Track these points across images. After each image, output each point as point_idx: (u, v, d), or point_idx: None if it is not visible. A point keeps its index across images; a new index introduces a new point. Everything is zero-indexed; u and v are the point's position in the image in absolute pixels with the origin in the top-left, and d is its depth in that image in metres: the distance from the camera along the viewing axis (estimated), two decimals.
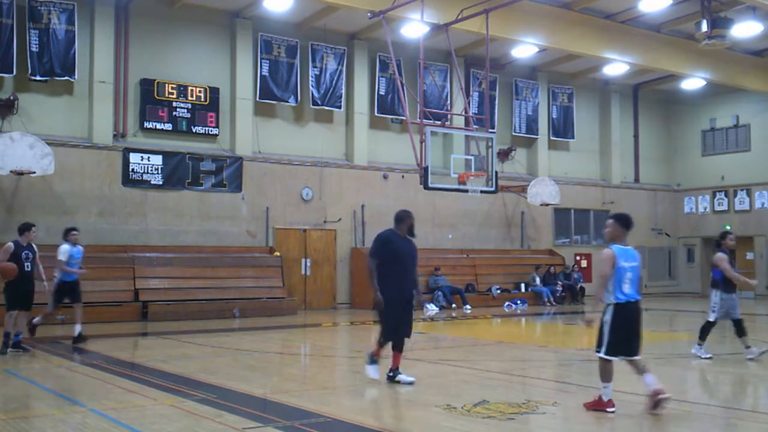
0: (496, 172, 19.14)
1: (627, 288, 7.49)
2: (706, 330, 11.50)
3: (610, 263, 7.54)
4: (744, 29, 21.78)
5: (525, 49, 24.10)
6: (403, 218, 9.10)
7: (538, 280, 24.86)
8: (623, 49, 24.14)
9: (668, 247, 30.97)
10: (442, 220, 23.95)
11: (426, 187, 17.87)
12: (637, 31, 23.96)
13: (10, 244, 12.20)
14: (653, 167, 31.20)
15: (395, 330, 8.94)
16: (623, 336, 7.44)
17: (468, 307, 22.30)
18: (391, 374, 8.98)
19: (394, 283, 8.80)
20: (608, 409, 7.39)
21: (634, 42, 24.10)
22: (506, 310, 22.79)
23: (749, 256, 28.72)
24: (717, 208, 29.80)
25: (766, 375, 10.69)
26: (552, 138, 28.09)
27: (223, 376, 9.87)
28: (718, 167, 29.93)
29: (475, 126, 21.74)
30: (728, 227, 21.14)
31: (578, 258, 28.12)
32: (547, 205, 26.43)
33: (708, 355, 11.38)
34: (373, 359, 9.09)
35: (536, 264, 25.42)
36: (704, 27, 20.77)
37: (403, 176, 24.05)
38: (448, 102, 24.84)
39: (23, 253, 12.21)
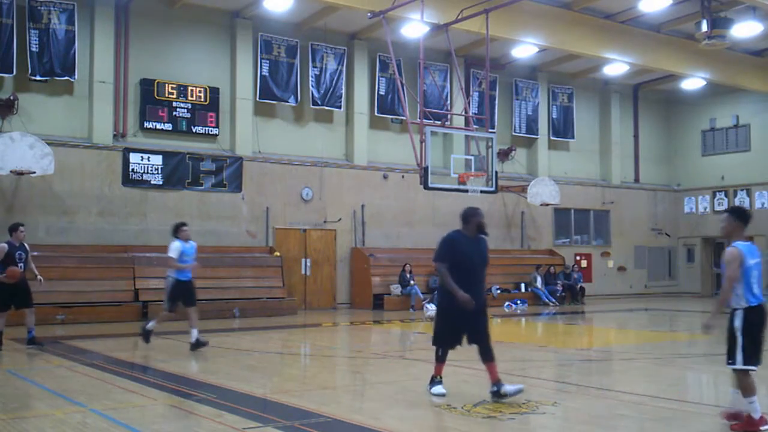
0: (496, 172, 19.15)
1: (756, 289, 6.65)
2: None
3: (737, 263, 6.63)
4: (744, 29, 21.79)
5: (525, 49, 24.12)
6: (469, 217, 8.20)
7: (539, 280, 24.84)
8: (623, 49, 24.16)
9: (668, 247, 30.98)
10: (443, 220, 23.95)
11: (426, 187, 17.88)
12: (637, 31, 23.98)
13: (4, 244, 12.24)
14: (653, 167, 31.22)
15: (452, 340, 8.15)
16: (756, 342, 6.64)
17: None
18: (494, 389, 7.88)
19: (463, 289, 7.87)
20: (762, 428, 6.47)
21: (633, 42, 24.12)
22: (506, 310, 22.80)
23: None
24: (717, 208, 29.78)
25: (764, 374, 10.68)
26: (552, 138, 28.10)
27: (223, 376, 9.88)
28: (718, 167, 29.95)
29: (475, 126, 21.74)
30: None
31: (578, 258, 28.13)
32: (547, 205, 26.45)
33: None
34: (435, 379, 8.28)
35: (537, 264, 25.42)
36: (704, 27, 20.78)
37: (403, 176, 24.07)
38: (448, 102, 24.84)
39: (17, 254, 12.26)
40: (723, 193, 29.73)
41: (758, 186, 28.54)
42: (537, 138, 27.65)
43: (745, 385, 6.57)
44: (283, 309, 20.19)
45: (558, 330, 18.04)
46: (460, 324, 8.02)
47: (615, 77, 28.34)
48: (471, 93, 25.25)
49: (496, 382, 7.87)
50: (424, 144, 17.74)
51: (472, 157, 19.25)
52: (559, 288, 25.16)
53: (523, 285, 25.00)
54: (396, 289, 22.32)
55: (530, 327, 19.24)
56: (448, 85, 25.22)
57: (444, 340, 8.22)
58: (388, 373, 10.51)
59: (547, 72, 27.76)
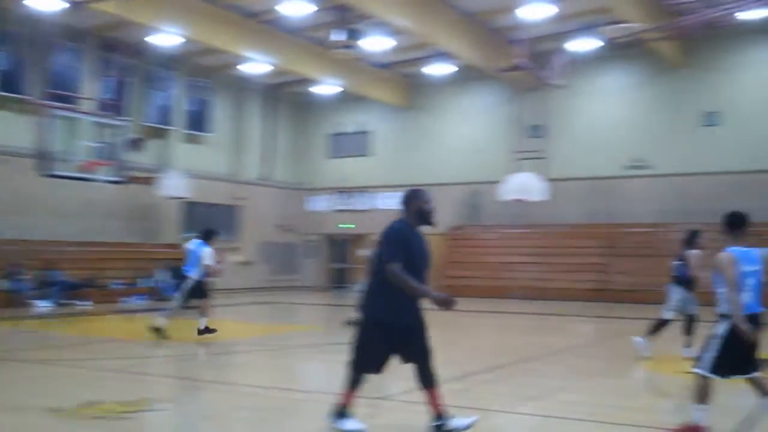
0: (126, 162, 18.41)
1: (747, 297, 6.12)
2: (659, 327, 10.97)
3: (731, 268, 6.09)
4: (374, 43, 23.46)
5: (164, 38, 23.39)
6: (410, 201, 6.36)
7: (164, 274, 24.26)
8: (263, 48, 24.61)
9: (293, 243, 32.30)
10: (64, 210, 22.33)
11: (45, 174, 16.54)
12: (277, 32, 24.57)
13: None
14: (284, 166, 32.32)
15: (380, 362, 6.28)
16: (734, 353, 6.13)
17: (85, 302, 21.07)
18: (438, 424, 6.17)
19: (402, 299, 6.14)
20: None
21: (273, 43, 24.71)
22: (128, 305, 21.95)
23: (363, 252, 31.11)
24: (339, 208, 31.86)
25: None
26: (187, 131, 27.77)
27: None
28: (342, 169, 31.98)
29: (106, 113, 20.61)
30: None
31: None
32: (177, 198, 25.98)
33: (647, 351, 10.90)
34: (344, 411, 6.34)
35: (162, 258, 24.84)
36: (338, 36, 21.97)
37: (16, 161, 21.57)
38: (80, 85, 23.22)
39: None
40: (345, 194, 31.84)
41: (377, 189, 30.99)
42: (171, 130, 27.12)
43: (701, 392, 6.20)
44: None
45: (180, 325, 17.80)
46: (395, 341, 6.21)
47: (254, 76, 28.64)
48: (104, 78, 23.89)
49: (439, 416, 6.17)
50: (45, 127, 16.39)
51: (101, 145, 18.30)
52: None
53: (146, 279, 24.20)
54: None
55: (152, 322, 18.68)
56: (81, 67, 23.57)
57: (370, 362, 6.26)
58: None
59: (185, 63, 27.33)
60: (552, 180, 24.30)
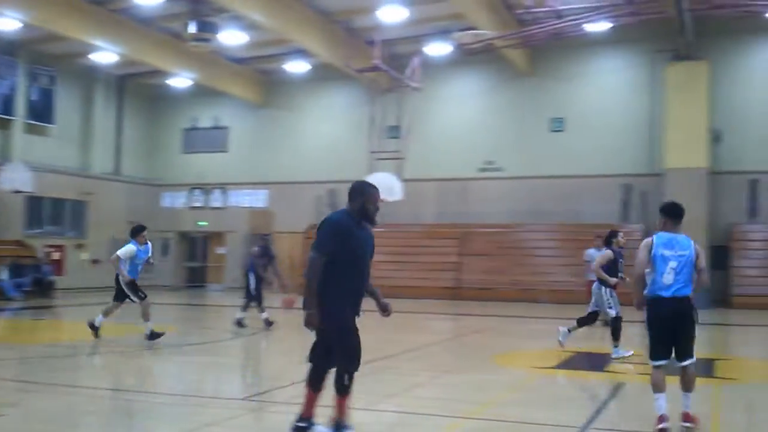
0: None
1: (667, 279, 6.32)
2: (617, 329, 10.97)
3: (644, 251, 6.39)
4: (229, 37, 23.05)
5: (4, 23, 22.00)
6: (356, 194, 5.99)
7: (5, 272, 22.87)
8: (112, 37, 23.63)
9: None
10: None
11: None
12: (127, 22, 23.69)
13: None
14: (136, 160, 31.18)
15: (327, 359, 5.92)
16: (661, 336, 6.36)
17: None
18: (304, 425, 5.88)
19: (346, 294, 5.86)
20: (658, 426, 6.14)
21: (124, 32, 23.79)
22: None
23: (220, 250, 30.58)
24: (194, 204, 31.11)
25: (230, 362, 11.37)
26: (29, 121, 26.27)
27: None
28: (197, 165, 31.22)
29: None
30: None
31: (50, 250, 26.63)
32: (19, 192, 24.51)
33: (629, 353, 10.91)
34: (309, 421, 5.89)
35: (8, 255, 23.41)
36: (193, 28, 21.41)
37: None
38: None
39: None
40: (200, 190, 31.11)
41: (233, 185, 30.48)
42: (13, 120, 25.58)
43: (652, 381, 6.34)
44: None
45: (23, 326, 16.87)
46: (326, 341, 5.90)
47: (103, 66, 27.47)
48: None
49: (341, 422, 5.85)
50: None
51: None
52: (27, 281, 23.53)
53: None
54: None
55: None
56: None
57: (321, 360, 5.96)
58: None
59: (28, 50, 25.86)
60: (408, 180, 24.72)
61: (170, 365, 11.02)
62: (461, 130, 27.16)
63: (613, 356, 10.92)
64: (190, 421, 6.91)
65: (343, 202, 27.53)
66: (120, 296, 12.42)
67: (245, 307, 14.72)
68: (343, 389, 5.77)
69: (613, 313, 10.98)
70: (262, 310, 14.51)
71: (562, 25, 21.51)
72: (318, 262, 5.67)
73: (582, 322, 11.39)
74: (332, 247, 5.71)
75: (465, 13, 21.60)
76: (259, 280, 14.61)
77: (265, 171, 29.77)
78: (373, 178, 24.05)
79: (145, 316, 12.10)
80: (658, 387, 6.27)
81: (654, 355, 6.40)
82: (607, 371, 10.39)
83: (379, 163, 25.08)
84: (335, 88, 28.84)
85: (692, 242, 6.45)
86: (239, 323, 14.47)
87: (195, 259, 31.65)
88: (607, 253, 11.02)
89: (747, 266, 23.23)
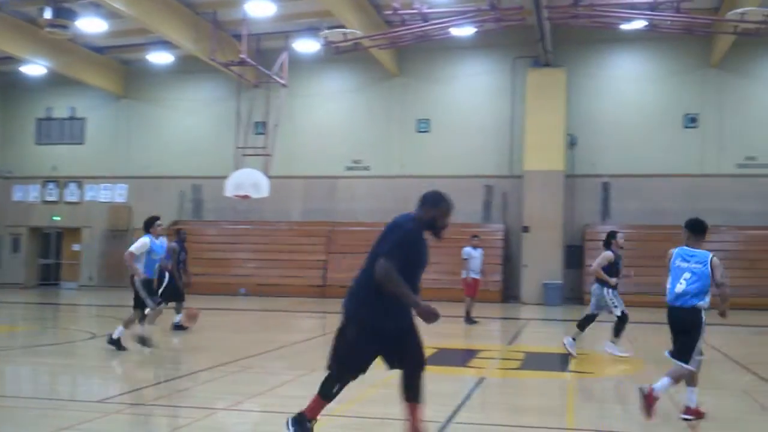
0: None
1: (672, 288, 7.04)
2: (620, 326, 11.06)
3: (669, 263, 7.14)
4: (88, 24, 22.11)
5: None
6: (431, 205, 5.62)
7: None
8: None
9: None
10: None
11: None
12: None
13: None
14: None
15: (362, 366, 5.62)
16: (674, 338, 7.11)
17: None
18: None
19: (398, 304, 5.45)
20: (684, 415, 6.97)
21: None
22: None
23: (76, 247, 29.27)
24: (47, 198, 29.65)
25: (86, 363, 10.91)
26: None
27: None
28: (52, 157, 29.76)
29: None
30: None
31: None
32: None
33: (625, 354, 10.99)
34: (305, 421, 5.59)
35: None
36: (48, 14, 20.48)
37: None
38: None
39: None
40: (54, 183, 29.68)
41: (89, 179, 29.24)
42: None
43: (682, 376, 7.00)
44: None
45: None
46: (382, 344, 5.59)
47: None
48: None
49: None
50: None
51: None
52: None
53: None
54: None
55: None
56: None
57: (353, 364, 5.61)
58: None
59: None
60: (275, 177, 24.51)
61: (23, 367, 10.44)
62: (329, 128, 27.18)
63: (606, 349, 11.18)
64: (46, 424, 6.58)
65: (208, 197, 26.98)
66: (139, 302, 11.02)
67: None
68: (419, 395, 5.59)
69: (618, 312, 11.08)
70: (178, 311, 13.61)
71: (429, 27, 21.90)
72: (394, 270, 5.31)
73: (582, 325, 11.35)
74: (404, 257, 5.40)
75: (333, 12, 21.62)
76: (173, 278, 13.63)
77: (125, 165, 28.74)
78: (240, 174, 23.81)
79: (149, 321, 11.17)
80: (687, 382, 6.96)
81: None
82: (470, 366, 10.66)
83: (246, 159, 24.75)
84: (201, 81, 28.20)
85: (710, 257, 6.94)
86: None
87: (48, 256, 30.17)
88: (606, 254, 11.08)
89: None
